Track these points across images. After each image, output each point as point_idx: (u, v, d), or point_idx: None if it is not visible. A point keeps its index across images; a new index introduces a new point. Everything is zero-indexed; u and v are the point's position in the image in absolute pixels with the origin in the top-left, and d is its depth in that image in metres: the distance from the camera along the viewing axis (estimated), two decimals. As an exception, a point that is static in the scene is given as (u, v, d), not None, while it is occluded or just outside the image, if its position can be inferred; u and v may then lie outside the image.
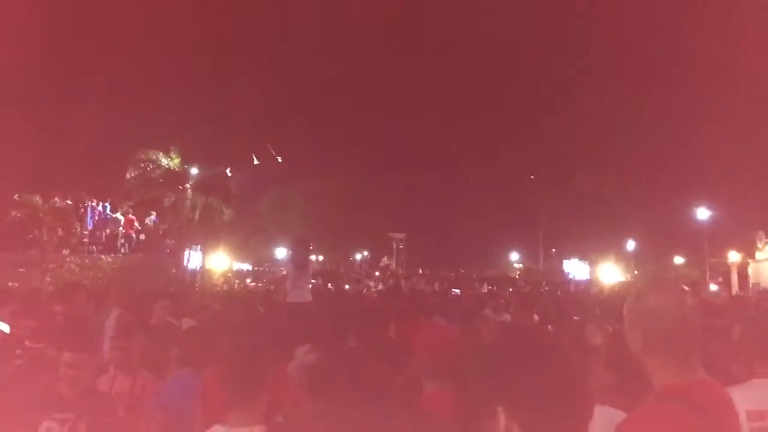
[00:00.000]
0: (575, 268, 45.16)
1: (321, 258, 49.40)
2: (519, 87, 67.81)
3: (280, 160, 48.20)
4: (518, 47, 64.66)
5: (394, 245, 63.41)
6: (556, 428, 1.51)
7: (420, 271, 51.51)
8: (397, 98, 64.87)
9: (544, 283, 36.53)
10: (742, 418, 2.33)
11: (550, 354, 1.59)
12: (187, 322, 6.75)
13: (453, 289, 18.23)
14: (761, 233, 32.67)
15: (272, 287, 15.58)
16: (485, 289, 25.97)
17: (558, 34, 65.35)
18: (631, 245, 54.49)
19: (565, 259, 50.51)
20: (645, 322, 2.09)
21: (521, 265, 60.43)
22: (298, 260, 8.32)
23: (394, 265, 59.39)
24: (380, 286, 24.96)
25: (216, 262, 33.52)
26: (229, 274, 33.68)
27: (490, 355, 1.67)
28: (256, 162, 43.94)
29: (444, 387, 2.88)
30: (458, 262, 57.68)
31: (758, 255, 32.51)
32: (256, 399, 2.80)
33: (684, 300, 2.10)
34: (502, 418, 1.51)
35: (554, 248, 60.95)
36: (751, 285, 31.49)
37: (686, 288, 2.17)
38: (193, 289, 22.05)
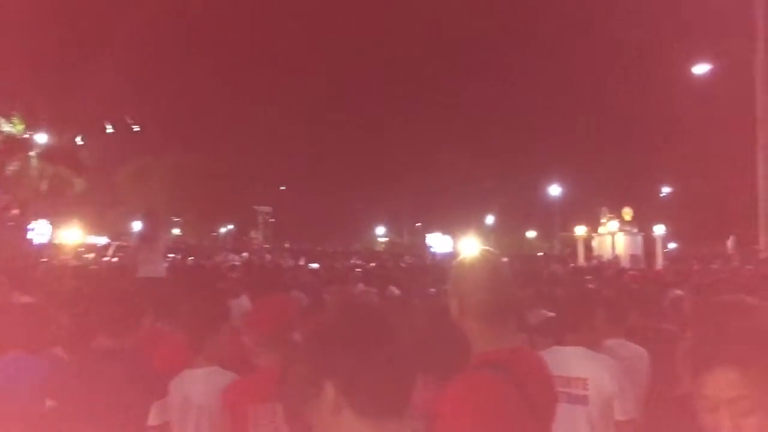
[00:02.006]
0: (438, 242, 46.61)
1: (182, 232, 47.74)
2: (387, 62, 68.44)
3: (137, 129, 45.75)
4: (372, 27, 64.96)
5: (261, 219, 62.48)
6: (385, 403, 1.49)
7: (287, 246, 51.18)
8: (260, 66, 63.30)
9: (407, 256, 37.46)
10: None
11: (382, 329, 1.56)
12: (25, 300, 6.24)
13: (311, 264, 18.22)
14: (604, 209, 35.23)
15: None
16: (351, 262, 26.21)
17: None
18: (490, 219, 57.23)
19: (427, 233, 52.02)
20: (462, 290, 2.14)
21: (386, 239, 61.63)
22: (147, 234, 7.98)
23: (261, 240, 58.59)
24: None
25: (67, 235, 31.54)
26: (81, 248, 31.72)
27: (322, 329, 1.63)
28: (110, 130, 41.44)
29: (278, 361, 2.83)
30: (325, 236, 57.86)
31: (601, 229, 35.06)
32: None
33: (500, 270, 2.17)
34: (330, 394, 1.46)
35: (419, 222, 62.69)
36: (595, 255, 34.01)
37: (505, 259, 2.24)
38: (37, 265, 20.52)
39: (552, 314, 4.06)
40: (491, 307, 2.08)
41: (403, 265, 25.07)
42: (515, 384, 1.98)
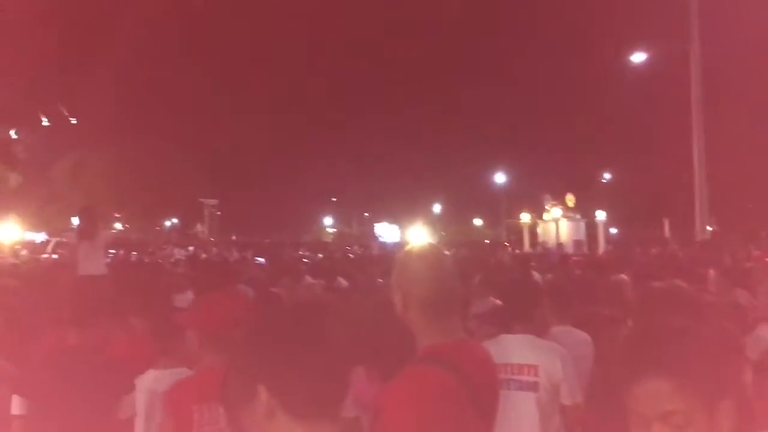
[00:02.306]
0: (386, 231, 46.77)
1: (124, 227, 46.49)
2: (333, 52, 68.01)
3: (74, 122, 44.25)
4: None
5: (207, 212, 61.39)
6: (318, 405, 1.47)
7: (233, 239, 50.52)
8: (204, 55, 62.08)
9: (355, 247, 37.46)
10: None
11: (314, 330, 1.54)
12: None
13: (257, 257, 17.99)
14: (548, 197, 36.00)
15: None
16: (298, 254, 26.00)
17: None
18: (437, 208, 57.70)
19: (376, 222, 52.15)
20: (405, 283, 2.12)
21: (335, 230, 61.51)
22: (85, 230, 7.74)
23: (207, 233, 57.64)
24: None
25: (3, 233, 30.44)
26: (17, 246, 30.63)
27: (254, 331, 1.60)
28: (46, 123, 39.97)
29: (221, 362, 2.75)
30: (273, 228, 57.32)
31: (545, 216, 35.82)
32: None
33: (443, 263, 2.16)
34: (263, 397, 1.42)
35: (367, 212, 62.75)
36: (540, 241, 34.73)
37: (447, 252, 2.23)
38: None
39: (499, 302, 4.10)
40: (434, 300, 2.07)
41: (351, 255, 25.04)
42: (459, 377, 1.98)
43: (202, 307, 3.15)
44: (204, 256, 22.17)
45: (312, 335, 1.53)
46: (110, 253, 16.07)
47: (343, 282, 8.93)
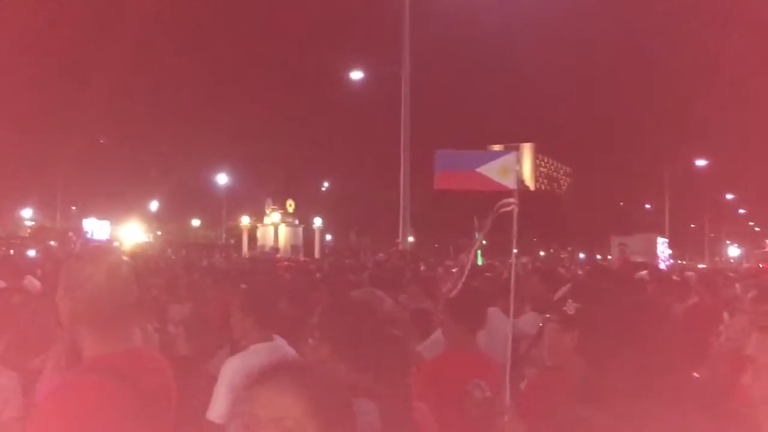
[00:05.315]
0: (95, 227, 43.14)
1: None
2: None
3: None
4: None
5: None
6: None
7: None
8: None
9: (56, 243, 33.99)
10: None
11: None
12: None
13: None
14: (269, 200, 36.45)
15: None
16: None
17: None
18: (155, 206, 54.96)
19: (84, 217, 47.89)
20: (74, 291, 2.00)
21: (33, 223, 55.14)
22: None
23: None
24: None
25: None
26: None
27: None
28: None
29: None
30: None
31: (266, 220, 36.19)
32: None
33: (117, 270, 2.06)
34: None
35: (75, 206, 57.42)
36: (258, 245, 34.90)
37: (126, 258, 2.14)
38: None
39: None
40: (105, 309, 1.97)
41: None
42: (124, 385, 1.90)
43: None
44: None
45: None
46: None
47: (34, 282, 7.99)
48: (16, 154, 50.45)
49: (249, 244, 36.78)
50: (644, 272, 9.18)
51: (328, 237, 44.85)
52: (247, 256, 26.79)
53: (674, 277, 9.22)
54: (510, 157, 3.59)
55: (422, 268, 13.74)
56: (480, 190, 3.60)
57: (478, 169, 3.51)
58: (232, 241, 42.09)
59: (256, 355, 3.59)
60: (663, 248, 25.82)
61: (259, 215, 37.71)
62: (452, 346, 3.60)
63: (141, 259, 14.09)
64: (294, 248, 33.25)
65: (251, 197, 41.10)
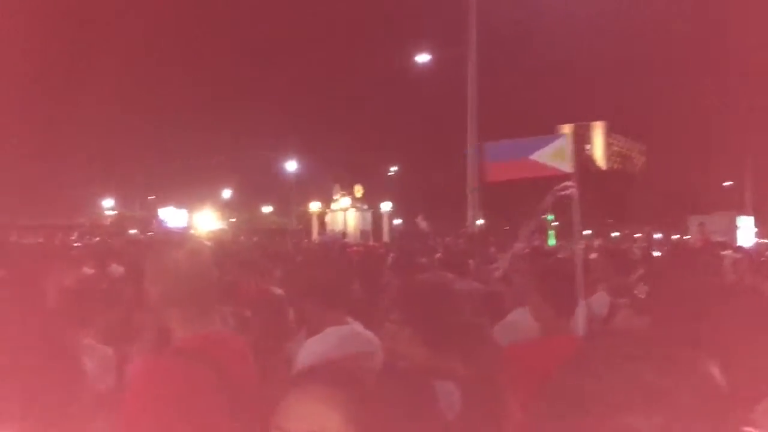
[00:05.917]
0: (171, 216, 44.65)
1: None
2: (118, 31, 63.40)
3: None
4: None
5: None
6: None
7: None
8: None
9: (137, 231, 35.42)
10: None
11: None
12: None
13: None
14: (337, 186, 36.83)
15: None
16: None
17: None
18: (227, 194, 56.45)
19: (161, 206, 49.62)
20: (162, 275, 2.07)
21: (115, 212, 57.52)
22: None
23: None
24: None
25: None
26: None
27: None
28: None
29: None
30: (44, 209, 51.89)
31: (333, 205, 36.62)
32: None
33: (201, 256, 2.12)
34: None
35: (154, 195, 59.60)
36: (328, 230, 35.39)
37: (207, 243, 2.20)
38: None
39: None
40: (192, 293, 2.04)
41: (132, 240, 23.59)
42: (207, 367, 1.96)
43: None
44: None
45: None
46: None
47: (118, 269, 8.33)
48: (97, 147, 52.69)
49: (318, 229, 37.31)
50: (728, 251, 8.79)
51: (396, 221, 44.96)
52: (317, 241, 27.16)
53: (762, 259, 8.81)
54: (562, 140, 3.50)
55: (492, 250, 13.57)
56: (535, 176, 3.51)
57: (531, 156, 3.44)
58: (301, 227, 42.74)
59: (330, 338, 3.64)
60: (747, 227, 24.60)
61: (328, 201, 38.17)
62: (544, 331, 3.40)
63: (219, 243, 14.48)
64: (363, 233, 33.50)
65: (320, 184, 41.62)
